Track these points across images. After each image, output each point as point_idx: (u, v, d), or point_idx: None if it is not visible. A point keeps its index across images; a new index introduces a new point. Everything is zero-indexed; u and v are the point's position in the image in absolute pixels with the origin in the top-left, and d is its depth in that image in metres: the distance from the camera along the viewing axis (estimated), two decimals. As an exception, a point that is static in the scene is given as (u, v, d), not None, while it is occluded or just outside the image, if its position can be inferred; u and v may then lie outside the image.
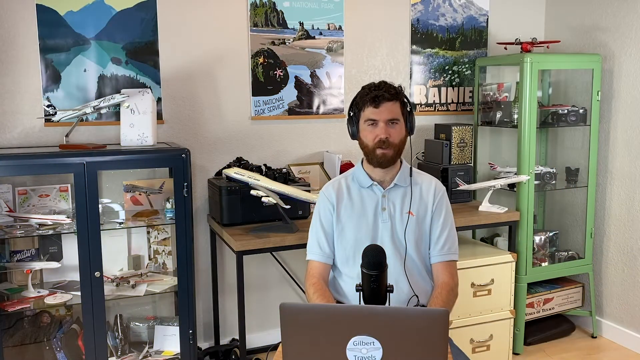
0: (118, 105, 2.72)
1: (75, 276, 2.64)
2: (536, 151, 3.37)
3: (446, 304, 1.99)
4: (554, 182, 3.49)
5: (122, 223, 2.74)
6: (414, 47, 3.52)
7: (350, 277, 2.07)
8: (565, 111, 3.43)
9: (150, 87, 2.94)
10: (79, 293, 2.54)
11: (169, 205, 2.76)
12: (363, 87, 2.08)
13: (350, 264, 2.07)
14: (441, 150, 3.33)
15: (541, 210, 3.85)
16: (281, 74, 3.22)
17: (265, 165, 3.02)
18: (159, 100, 2.98)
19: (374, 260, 1.65)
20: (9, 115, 2.75)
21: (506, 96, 3.53)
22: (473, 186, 3.30)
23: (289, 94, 3.25)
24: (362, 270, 1.67)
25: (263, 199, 2.65)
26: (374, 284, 1.65)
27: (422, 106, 3.60)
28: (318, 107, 3.33)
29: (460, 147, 3.34)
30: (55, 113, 2.67)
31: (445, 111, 3.66)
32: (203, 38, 3.05)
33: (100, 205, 2.55)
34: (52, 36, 2.76)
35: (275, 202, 2.67)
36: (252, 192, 2.65)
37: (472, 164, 3.43)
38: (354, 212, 2.10)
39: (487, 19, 3.70)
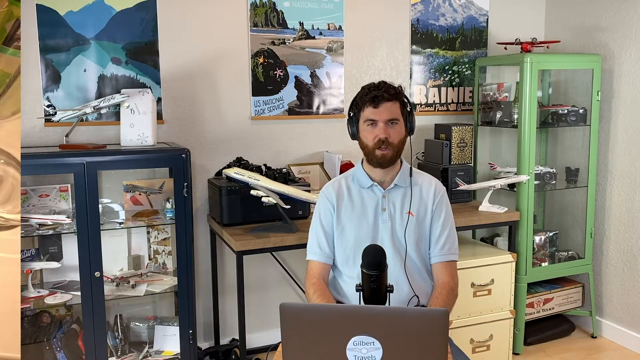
0: (118, 105, 2.72)
1: (75, 276, 2.64)
2: (536, 151, 3.37)
3: (446, 304, 1.99)
4: (554, 182, 3.49)
5: (122, 223, 2.74)
6: (414, 47, 3.52)
7: (350, 277, 2.07)
8: (565, 111, 3.43)
9: (150, 87, 2.94)
10: (79, 293, 2.54)
11: (169, 205, 2.76)
12: (363, 87, 2.08)
13: (351, 264, 2.07)
14: (441, 150, 3.33)
15: (541, 210, 3.84)
16: (281, 74, 3.22)
17: (265, 165, 3.02)
18: (159, 100, 2.98)
19: (374, 260, 1.65)
20: (9, 115, 2.75)
21: (506, 96, 3.53)
22: (473, 186, 3.30)
23: (289, 94, 3.25)
24: (362, 271, 1.67)
25: (263, 199, 2.65)
26: (374, 284, 1.65)
27: (422, 106, 3.59)
28: (318, 107, 3.33)
29: (460, 147, 3.34)
30: (55, 113, 2.67)
31: (445, 111, 3.66)
32: (203, 38, 3.05)
33: (100, 205, 2.55)
34: (52, 36, 2.76)
35: (275, 202, 2.67)
36: (252, 192, 2.65)
37: (472, 164, 3.43)
38: (354, 213, 2.09)
39: (487, 19, 3.69)
